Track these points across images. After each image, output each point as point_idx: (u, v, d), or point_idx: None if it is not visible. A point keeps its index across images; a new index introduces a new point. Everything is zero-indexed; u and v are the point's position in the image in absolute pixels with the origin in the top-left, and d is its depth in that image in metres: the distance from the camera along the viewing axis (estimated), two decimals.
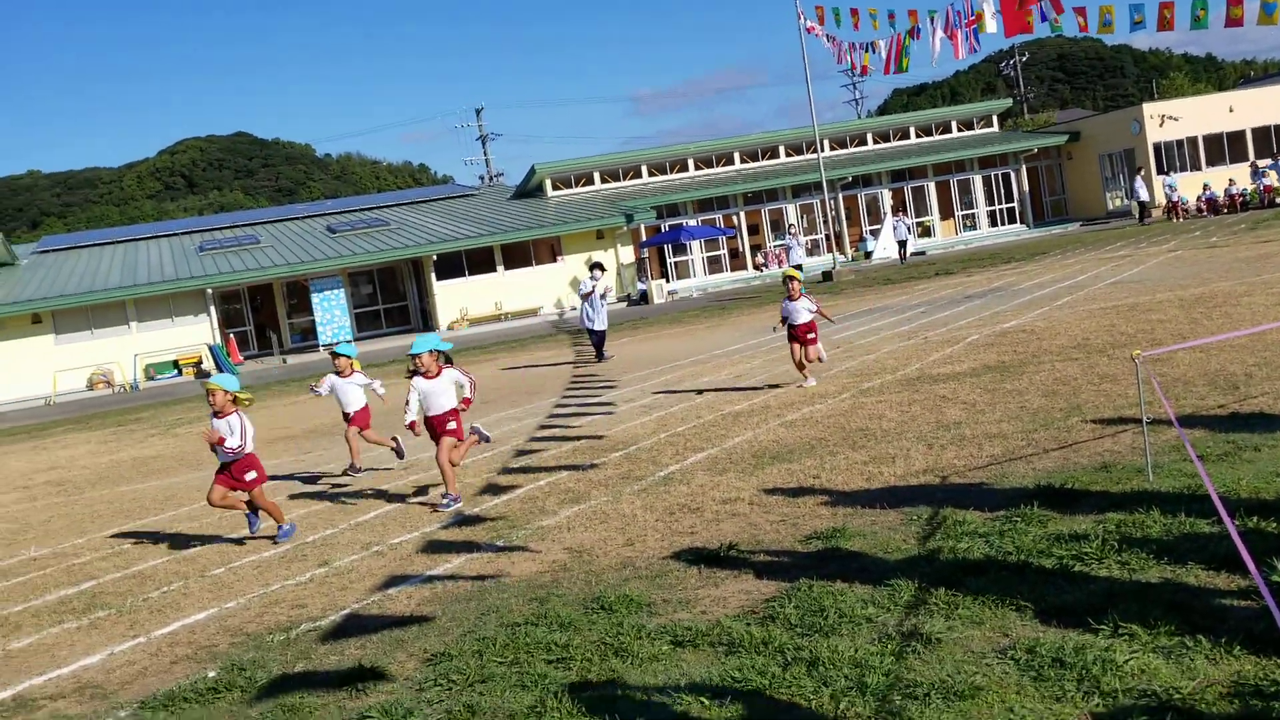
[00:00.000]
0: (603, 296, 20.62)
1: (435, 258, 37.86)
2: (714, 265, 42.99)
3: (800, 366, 13.10)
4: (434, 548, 7.94)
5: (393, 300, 42.31)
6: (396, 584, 7.12)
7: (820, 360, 13.37)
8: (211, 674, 5.81)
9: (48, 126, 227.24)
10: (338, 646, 6.02)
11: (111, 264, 40.54)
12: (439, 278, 38.24)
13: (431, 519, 8.94)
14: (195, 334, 36.09)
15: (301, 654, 5.98)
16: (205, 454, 15.32)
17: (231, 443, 8.86)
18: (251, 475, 9.01)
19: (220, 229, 47.20)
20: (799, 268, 17.74)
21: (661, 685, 4.81)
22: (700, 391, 13.96)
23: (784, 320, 13.12)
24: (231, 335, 37.56)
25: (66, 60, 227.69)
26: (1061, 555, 5.70)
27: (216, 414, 8.91)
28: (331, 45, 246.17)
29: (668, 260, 42.08)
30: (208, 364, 34.46)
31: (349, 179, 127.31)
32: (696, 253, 42.69)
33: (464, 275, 38.77)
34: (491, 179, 73.76)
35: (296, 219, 47.94)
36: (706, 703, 4.52)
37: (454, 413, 9.36)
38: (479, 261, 39.07)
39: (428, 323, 39.46)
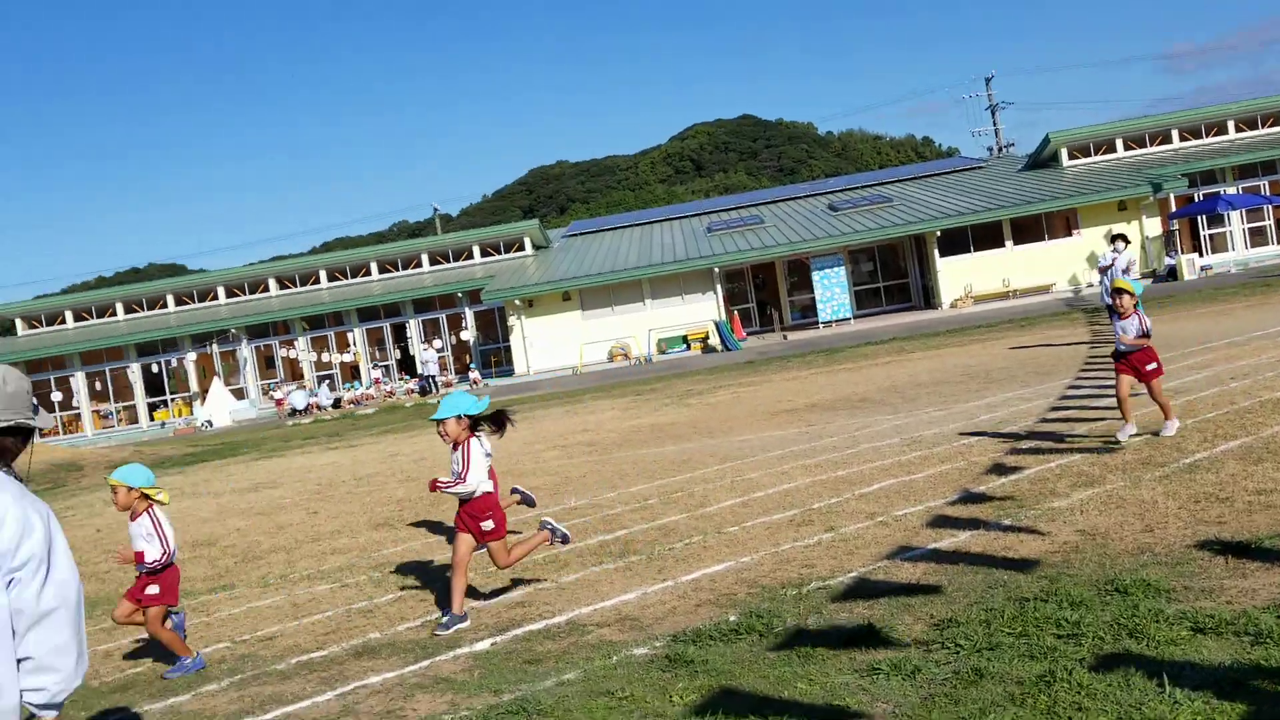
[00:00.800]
0: (1126, 271, 19.39)
1: (939, 234, 37.38)
2: (1257, 238, 38.72)
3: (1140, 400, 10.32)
4: (940, 522, 8.00)
5: (893, 278, 42.36)
6: (902, 553, 7.28)
7: (1167, 416, 9.92)
8: (732, 618, 6.30)
9: (575, 121, 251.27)
10: (846, 605, 6.30)
11: (630, 245, 44.08)
12: (942, 254, 37.74)
13: (936, 494, 8.98)
14: (702, 311, 38.38)
15: (813, 608, 6.32)
16: (712, 424, 16.35)
17: (151, 554, 6.90)
18: (152, 590, 6.89)
19: (727, 210, 49.74)
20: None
21: (1183, 663, 4.59)
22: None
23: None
24: (735, 312, 39.55)
25: (584, 63, 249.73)
26: None
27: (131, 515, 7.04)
28: (833, 24, 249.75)
29: (1201, 233, 38.56)
30: (714, 339, 36.54)
31: (849, 155, 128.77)
32: (1235, 224, 38.66)
33: (969, 251, 37.94)
34: (1001, 150, 71.28)
35: (798, 198, 49.40)
36: (1244, 675, 4.27)
37: (490, 500, 7.33)
38: (985, 237, 38.08)
39: (930, 300, 39.14)
